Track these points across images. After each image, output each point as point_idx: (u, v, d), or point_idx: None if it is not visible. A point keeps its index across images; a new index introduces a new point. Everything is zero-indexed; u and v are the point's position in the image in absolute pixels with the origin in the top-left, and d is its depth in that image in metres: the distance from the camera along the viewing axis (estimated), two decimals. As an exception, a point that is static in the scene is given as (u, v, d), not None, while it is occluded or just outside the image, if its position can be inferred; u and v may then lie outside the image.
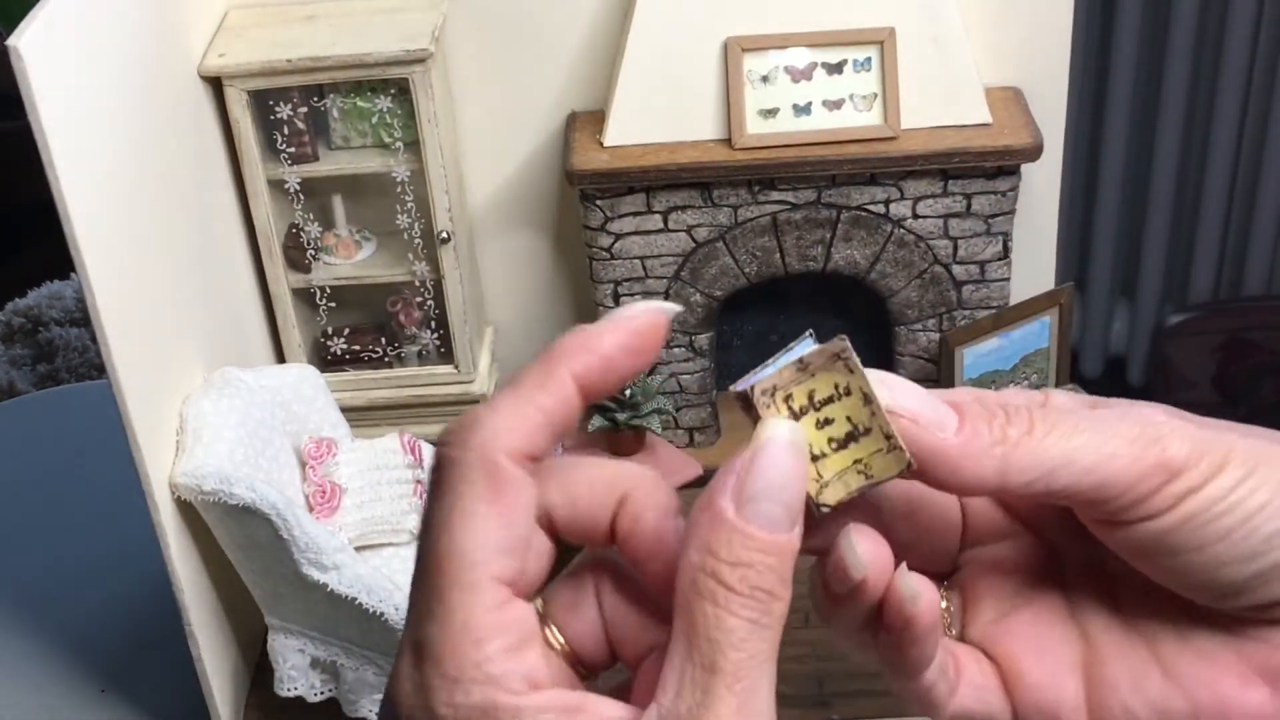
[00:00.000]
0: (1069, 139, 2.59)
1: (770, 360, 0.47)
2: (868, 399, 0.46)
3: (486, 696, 0.42)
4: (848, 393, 0.46)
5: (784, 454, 0.44)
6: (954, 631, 0.53)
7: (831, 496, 0.46)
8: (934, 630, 0.48)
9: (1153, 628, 0.50)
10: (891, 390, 0.46)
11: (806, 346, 0.47)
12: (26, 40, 1.41)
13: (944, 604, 0.54)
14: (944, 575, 0.54)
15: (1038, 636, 0.52)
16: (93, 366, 3.12)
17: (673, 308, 0.47)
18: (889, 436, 0.46)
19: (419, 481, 1.90)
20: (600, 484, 0.46)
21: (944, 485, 0.47)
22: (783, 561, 0.42)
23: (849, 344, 0.46)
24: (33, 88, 1.42)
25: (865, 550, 0.46)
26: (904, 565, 0.47)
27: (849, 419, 0.46)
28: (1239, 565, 0.46)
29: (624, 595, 0.47)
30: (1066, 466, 0.45)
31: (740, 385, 0.46)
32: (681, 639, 0.42)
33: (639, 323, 0.45)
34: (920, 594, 0.47)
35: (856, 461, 0.47)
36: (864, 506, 0.49)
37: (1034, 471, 0.46)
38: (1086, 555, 0.51)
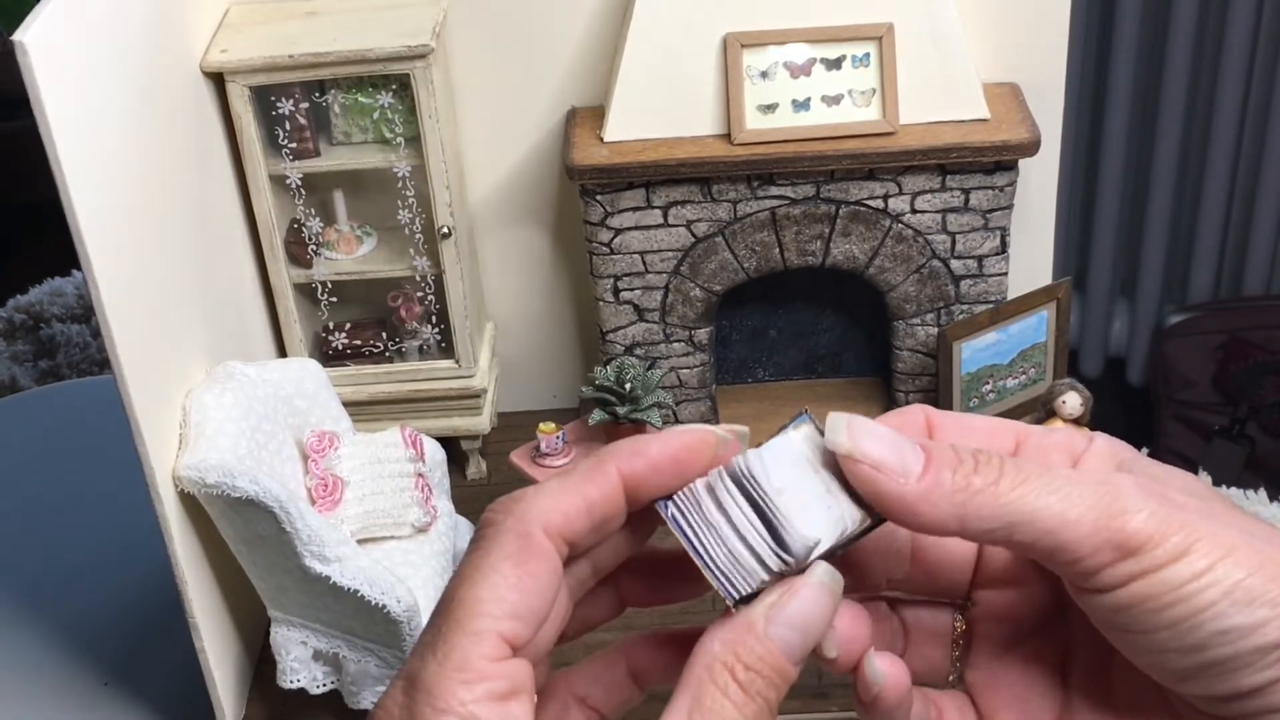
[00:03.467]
0: (1068, 138, 2.60)
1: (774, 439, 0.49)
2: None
3: None
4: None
5: (823, 597, 0.48)
6: (957, 665, 0.56)
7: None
8: (901, 704, 0.52)
9: (1138, 709, 0.51)
10: (854, 437, 0.47)
11: (803, 421, 0.49)
12: (32, 36, 1.42)
13: (958, 627, 0.55)
14: (959, 599, 0.55)
15: (1023, 697, 0.54)
16: (93, 362, 3.14)
17: (729, 431, 0.50)
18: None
19: (420, 475, 1.91)
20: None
21: (903, 525, 0.49)
22: (785, 683, 0.48)
23: (808, 415, 0.49)
24: (38, 83, 1.43)
25: (881, 667, 0.51)
26: (871, 651, 0.51)
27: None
28: (1181, 656, 0.46)
29: (648, 646, 0.53)
30: (1027, 524, 0.47)
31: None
32: (684, 713, 0.47)
33: (688, 439, 0.49)
34: (882, 681, 0.51)
35: None
36: (868, 550, 0.52)
37: (993, 522, 0.47)
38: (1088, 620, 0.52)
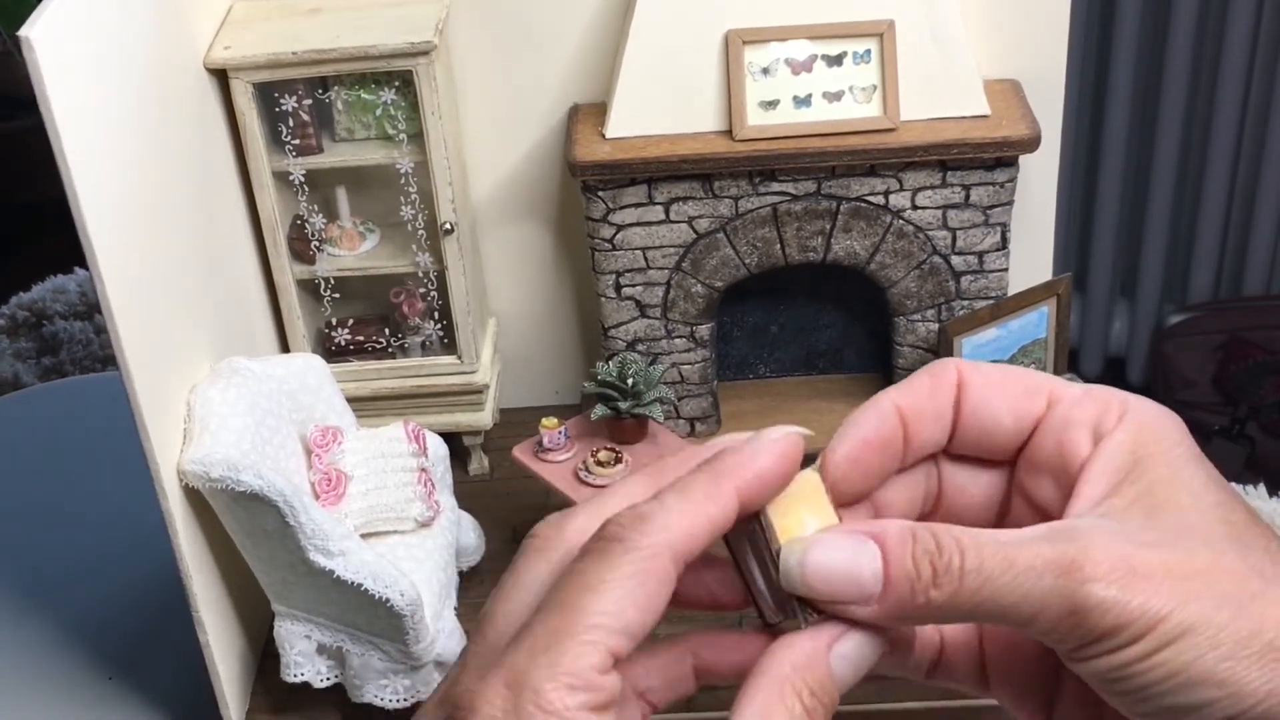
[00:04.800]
0: (1069, 137, 2.61)
1: None
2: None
3: None
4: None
5: (875, 640, 0.50)
6: None
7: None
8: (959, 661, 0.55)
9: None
10: (805, 575, 0.49)
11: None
12: (38, 32, 1.43)
13: None
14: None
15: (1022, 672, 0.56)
16: (96, 359, 3.15)
17: (805, 432, 0.52)
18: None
19: (423, 470, 1.92)
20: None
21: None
22: (834, 709, 0.50)
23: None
24: (44, 79, 1.43)
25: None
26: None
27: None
28: (1143, 718, 0.48)
29: (718, 645, 0.54)
30: (991, 619, 0.49)
31: None
32: None
33: (786, 446, 0.50)
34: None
35: None
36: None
37: (956, 621, 0.50)
38: None
